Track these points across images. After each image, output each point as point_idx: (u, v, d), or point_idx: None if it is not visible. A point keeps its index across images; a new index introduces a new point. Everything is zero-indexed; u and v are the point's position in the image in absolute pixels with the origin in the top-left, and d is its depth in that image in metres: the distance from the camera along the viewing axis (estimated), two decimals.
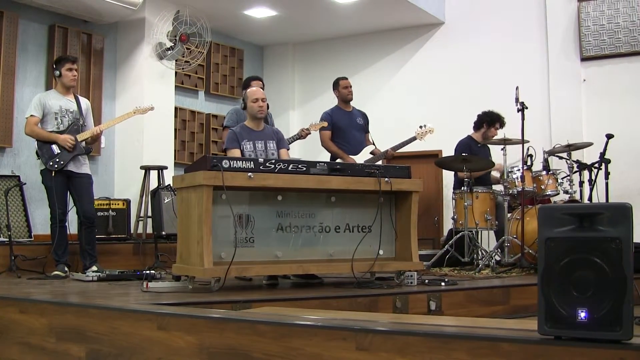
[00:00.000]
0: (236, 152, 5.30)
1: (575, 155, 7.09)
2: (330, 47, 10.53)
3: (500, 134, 6.60)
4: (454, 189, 7.39)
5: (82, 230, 5.97)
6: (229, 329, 2.90)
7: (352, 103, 7.31)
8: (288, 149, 5.67)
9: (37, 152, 5.90)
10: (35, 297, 4.06)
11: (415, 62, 9.83)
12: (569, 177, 6.82)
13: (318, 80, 10.37)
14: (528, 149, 6.70)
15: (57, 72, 6.00)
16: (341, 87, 7.26)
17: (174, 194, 7.03)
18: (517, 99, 6.25)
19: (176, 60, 8.87)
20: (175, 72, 9.07)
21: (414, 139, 7.25)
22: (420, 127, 7.29)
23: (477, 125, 7.60)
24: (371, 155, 7.13)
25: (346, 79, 7.33)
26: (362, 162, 6.59)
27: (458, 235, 6.70)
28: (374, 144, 7.30)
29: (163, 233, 7.20)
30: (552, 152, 7.05)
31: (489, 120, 7.52)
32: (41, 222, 7.24)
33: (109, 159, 8.63)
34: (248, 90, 5.57)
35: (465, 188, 6.68)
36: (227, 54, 10.24)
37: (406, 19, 9.56)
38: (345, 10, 9.22)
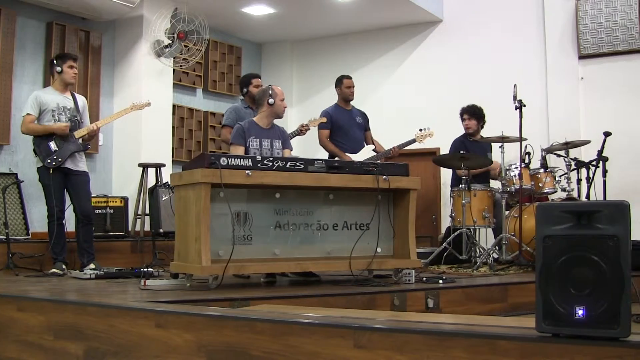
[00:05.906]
0: (240, 149, 5.29)
1: (573, 153, 7.10)
2: (328, 45, 10.51)
3: (498, 131, 6.60)
4: (452, 186, 7.39)
5: (79, 227, 5.96)
6: (227, 326, 2.90)
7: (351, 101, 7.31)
8: (291, 149, 5.66)
9: (34, 150, 5.89)
10: (33, 295, 4.06)
11: (414, 60, 9.83)
12: (566, 175, 6.83)
13: (316, 78, 10.37)
14: (526, 146, 6.71)
15: (59, 68, 5.97)
16: (344, 86, 7.23)
17: (171, 192, 7.02)
18: (515, 97, 6.26)
19: (174, 58, 8.85)
20: (173, 70, 9.06)
21: (413, 141, 7.25)
22: (420, 130, 7.29)
23: None
24: (374, 153, 7.13)
25: (350, 78, 7.29)
26: (362, 160, 6.58)
27: (456, 233, 6.70)
28: (373, 142, 7.30)
29: (161, 231, 7.19)
30: (549, 150, 7.05)
31: (460, 114, 7.57)
32: (39, 219, 7.22)
33: (107, 156, 8.62)
34: (275, 88, 5.50)
35: (463, 186, 6.68)
36: (225, 52, 10.22)
37: (404, 16, 9.55)
38: (343, 7, 9.22)
